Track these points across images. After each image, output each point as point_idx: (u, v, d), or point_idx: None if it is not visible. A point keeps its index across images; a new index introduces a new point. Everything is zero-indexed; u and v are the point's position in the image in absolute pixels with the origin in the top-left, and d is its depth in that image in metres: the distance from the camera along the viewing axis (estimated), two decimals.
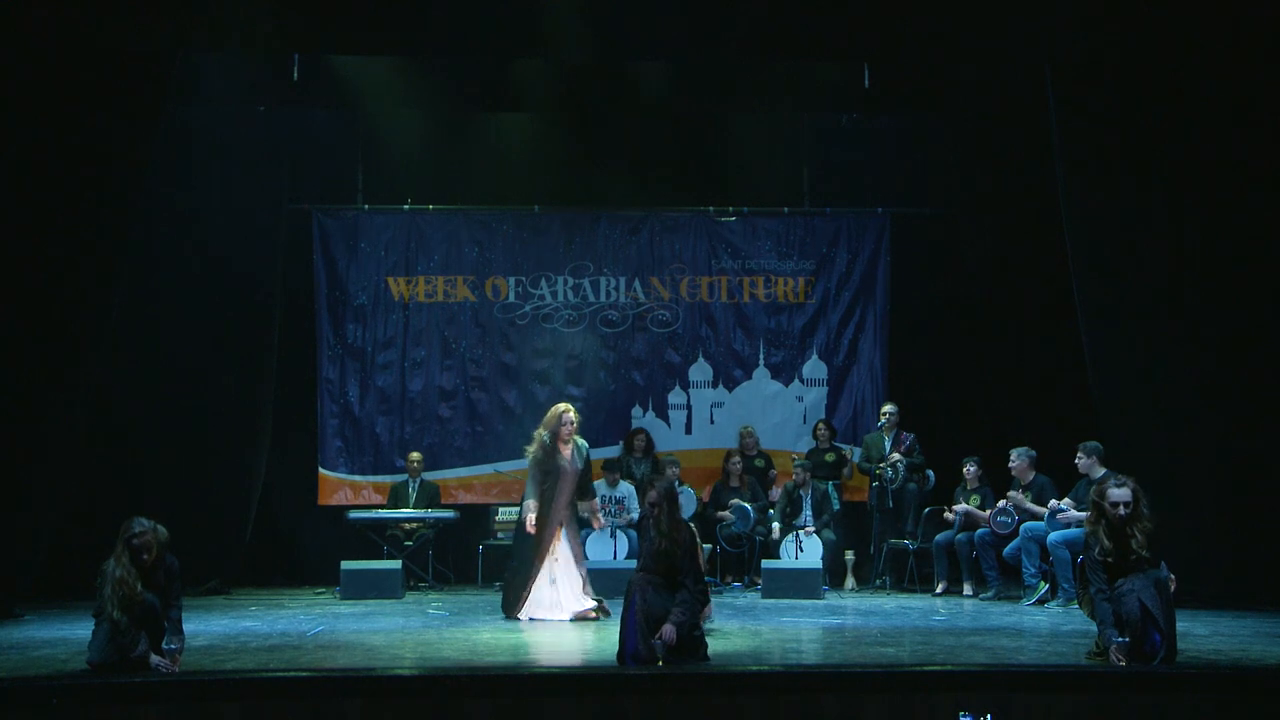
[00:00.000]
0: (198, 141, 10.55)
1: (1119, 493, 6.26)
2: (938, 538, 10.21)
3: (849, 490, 11.29)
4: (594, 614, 8.21)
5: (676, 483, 10.72)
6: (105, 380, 9.54)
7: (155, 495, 9.83)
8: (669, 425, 11.74)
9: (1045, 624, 8.09)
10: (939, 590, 10.07)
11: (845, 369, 11.81)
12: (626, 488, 10.81)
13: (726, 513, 10.69)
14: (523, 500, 8.40)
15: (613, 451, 11.44)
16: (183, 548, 6.32)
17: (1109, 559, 6.21)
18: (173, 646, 6.07)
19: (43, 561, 9.09)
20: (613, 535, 10.35)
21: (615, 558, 10.22)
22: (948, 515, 10.21)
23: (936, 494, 10.70)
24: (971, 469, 10.18)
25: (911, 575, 10.49)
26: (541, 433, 8.42)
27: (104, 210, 8.99)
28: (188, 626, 7.72)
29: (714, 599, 8.18)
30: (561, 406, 8.50)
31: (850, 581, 10.53)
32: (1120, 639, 6.05)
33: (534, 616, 8.20)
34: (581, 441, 8.52)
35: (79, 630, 7.15)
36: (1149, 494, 6.38)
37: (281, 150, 11.22)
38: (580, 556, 8.46)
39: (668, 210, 11.92)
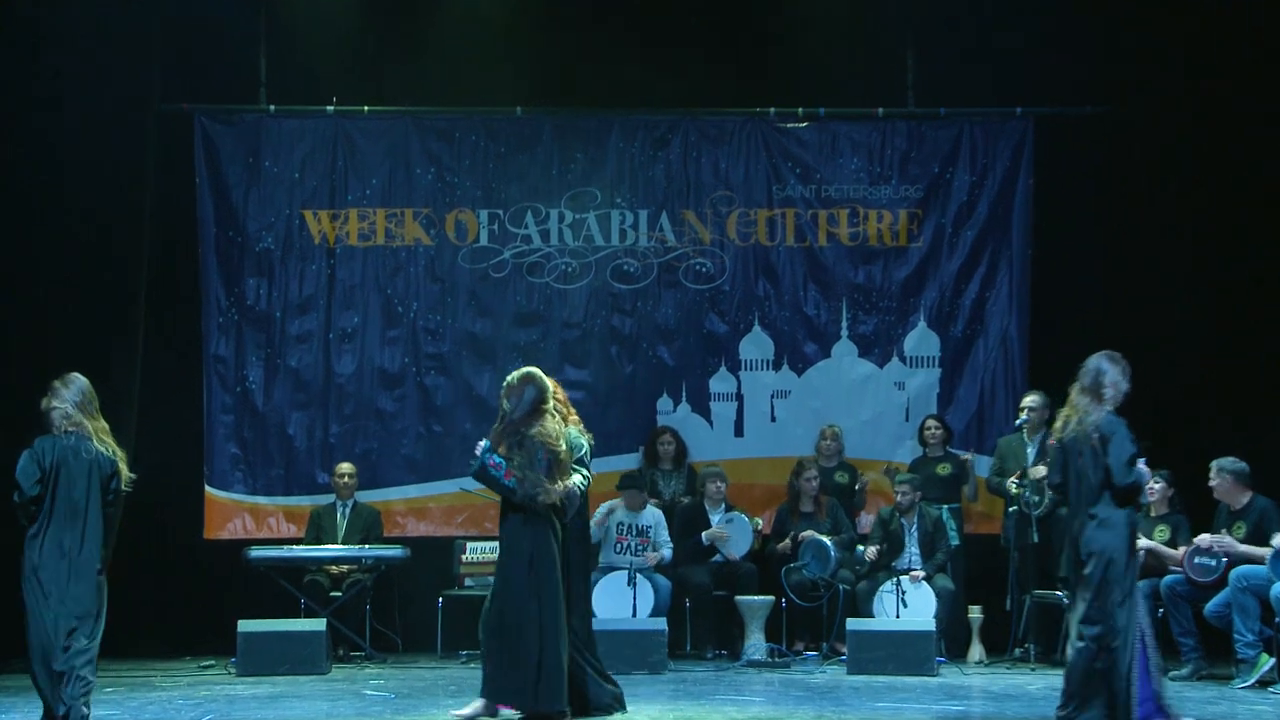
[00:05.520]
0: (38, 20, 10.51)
1: None
2: None
3: (974, 519, 11.29)
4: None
5: (724, 506, 10.63)
6: None
7: None
8: (711, 424, 11.78)
9: (1269, 715, 8.06)
10: None
11: (967, 342, 11.82)
12: (654, 514, 10.70)
13: (789, 542, 10.63)
14: None
15: (630, 462, 11.41)
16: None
17: None
18: None
19: None
20: (631, 582, 10.23)
21: (635, 614, 10.11)
22: None
23: None
24: (1157, 488, 9.95)
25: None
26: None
27: None
28: (11, 717, 7.64)
29: (780, 674, 8.16)
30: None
31: (977, 651, 10.50)
32: None
33: None
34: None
35: None
36: None
37: (152, 31, 11.10)
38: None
39: (709, 113, 11.90)
